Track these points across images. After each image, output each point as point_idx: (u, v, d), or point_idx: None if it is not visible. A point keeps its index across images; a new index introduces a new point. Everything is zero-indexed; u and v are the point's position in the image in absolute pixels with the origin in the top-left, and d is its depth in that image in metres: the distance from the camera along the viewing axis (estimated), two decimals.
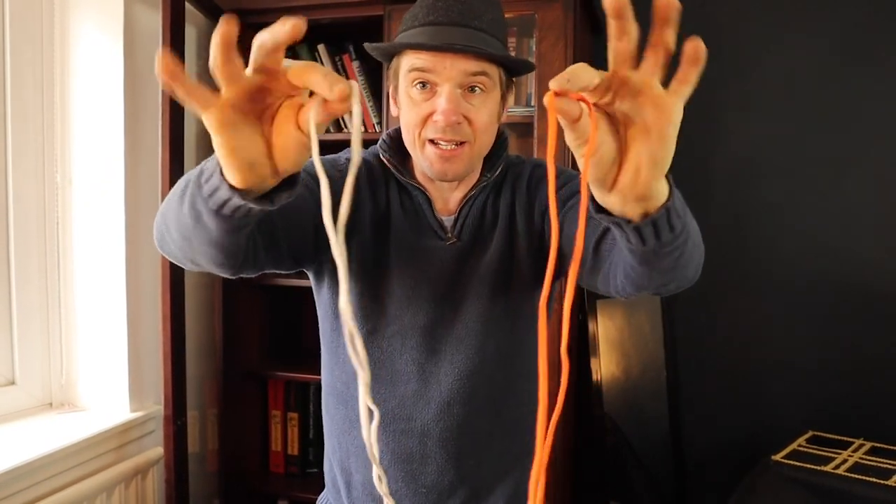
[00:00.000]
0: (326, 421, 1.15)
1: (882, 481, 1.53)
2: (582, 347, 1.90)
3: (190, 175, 0.67)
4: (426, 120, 0.95)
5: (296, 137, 0.55)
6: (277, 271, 0.94)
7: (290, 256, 0.93)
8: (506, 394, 1.06)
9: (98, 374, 1.76)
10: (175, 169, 1.75)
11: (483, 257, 1.03)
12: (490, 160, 1.05)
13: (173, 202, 0.70)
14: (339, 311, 1.04)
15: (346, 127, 1.98)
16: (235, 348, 2.08)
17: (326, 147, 1.57)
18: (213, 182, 0.60)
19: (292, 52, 2.05)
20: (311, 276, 1.09)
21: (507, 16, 1.79)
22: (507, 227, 1.05)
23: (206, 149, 1.96)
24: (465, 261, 1.03)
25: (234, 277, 0.83)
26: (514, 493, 1.10)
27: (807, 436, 1.86)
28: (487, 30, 0.95)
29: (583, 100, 0.53)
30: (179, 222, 0.69)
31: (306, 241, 0.94)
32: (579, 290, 1.90)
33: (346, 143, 0.99)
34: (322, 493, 1.23)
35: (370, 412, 0.60)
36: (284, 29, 0.50)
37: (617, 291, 0.86)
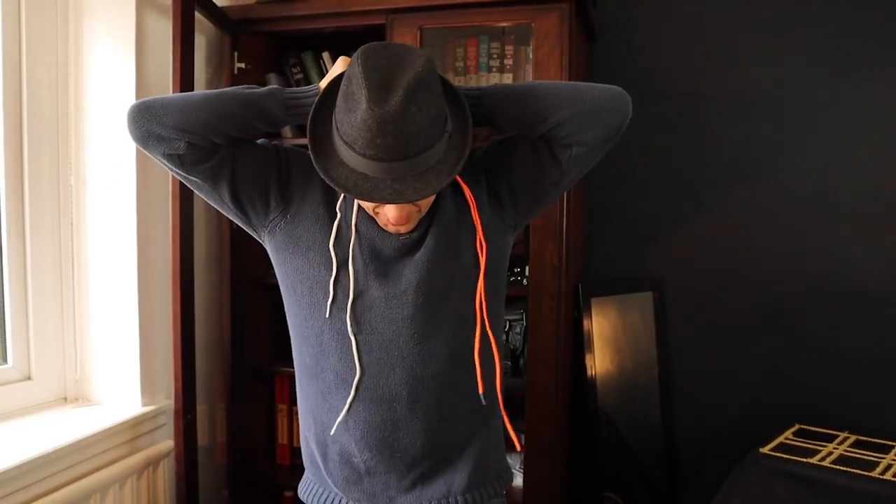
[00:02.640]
0: (301, 400, 1.18)
1: (866, 473, 1.53)
2: (577, 344, 1.90)
3: (242, 90, 1.04)
4: (376, 208, 1.02)
5: None
6: (211, 198, 1.09)
7: (231, 189, 1.06)
8: (467, 357, 1.09)
9: (111, 370, 1.76)
10: None
11: (433, 234, 1.08)
12: None
13: (200, 96, 1.03)
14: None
15: None
16: (243, 345, 2.08)
17: None
18: (306, 95, 1.04)
19: (298, 59, 2.05)
20: (269, 247, 1.14)
21: (505, 24, 1.81)
22: (453, 201, 1.09)
23: None
24: (419, 241, 1.08)
25: (181, 156, 1.02)
26: (482, 456, 1.13)
27: (794, 429, 1.86)
28: (426, 143, 0.91)
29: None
30: (198, 104, 1.00)
31: (256, 189, 1.08)
32: (575, 289, 1.90)
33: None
34: (303, 478, 1.25)
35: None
36: None
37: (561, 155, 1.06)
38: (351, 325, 1.06)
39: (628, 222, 2.17)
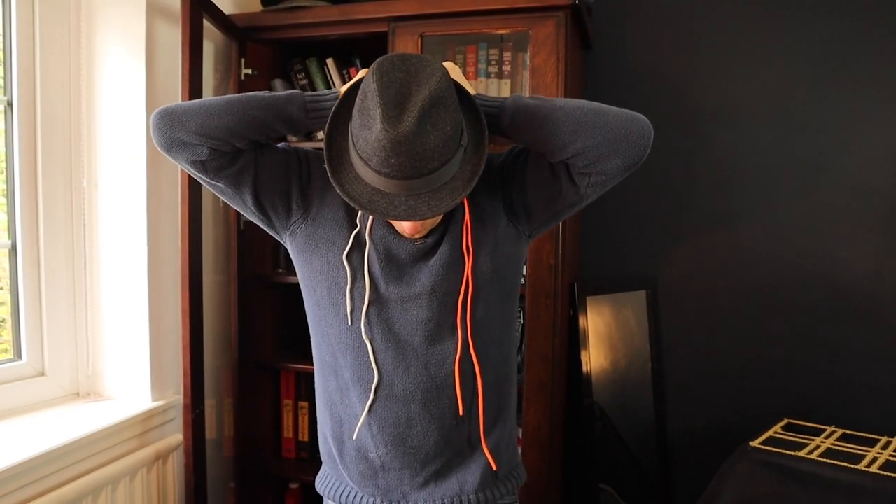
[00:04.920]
0: (320, 395, 1.18)
1: (852, 465, 1.53)
2: (572, 341, 1.90)
3: (265, 96, 1.02)
4: None
5: None
6: (234, 203, 1.08)
7: (253, 194, 1.06)
8: (481, 359, 1.08)
9: (122, 366, 1.76)
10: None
11: (448, 241, 1.07)
12: None
13: (221, 101, 1.00)
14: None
15: (317, 137, 2.00)
16: (250, 342, 2.08)
17: None
18: (326, 98, 1.02)
19: (303, 65, 2.05)
20: (290, 249, 1.13)
21: (503, 32, 1.81)
22: (468, 204, 1.08)
23: None
24: (434, 247, 1.07)
25: (205, 162, 1.02)
26: (494, 455, 1.12)
27: (782, 423, 1.86)
28: (440, 160, 0.90)
29: None
30: (220, 109, 0.99)
31: (277, 193, 1.07)
32: (570, 288, 1.90)
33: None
34: (320, 470, 1.24)
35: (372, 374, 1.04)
36: None
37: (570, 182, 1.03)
38: (366, 327, 1.06)
39: (623, 223, 2.17)
